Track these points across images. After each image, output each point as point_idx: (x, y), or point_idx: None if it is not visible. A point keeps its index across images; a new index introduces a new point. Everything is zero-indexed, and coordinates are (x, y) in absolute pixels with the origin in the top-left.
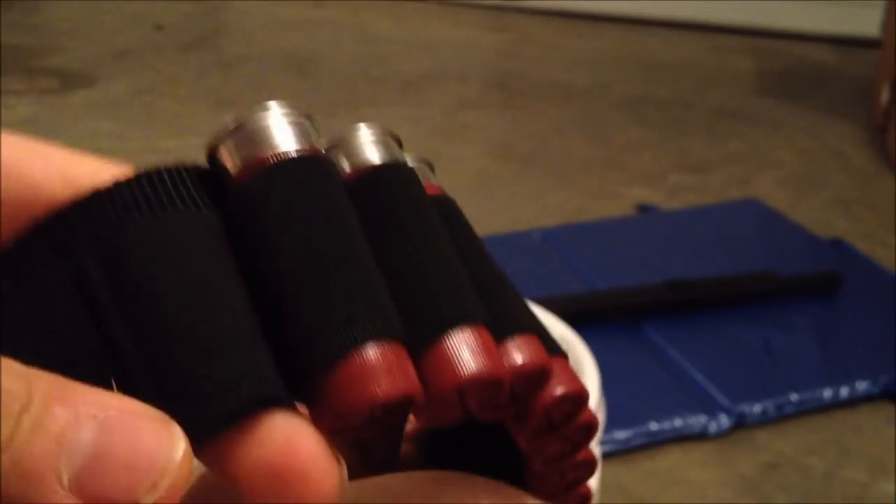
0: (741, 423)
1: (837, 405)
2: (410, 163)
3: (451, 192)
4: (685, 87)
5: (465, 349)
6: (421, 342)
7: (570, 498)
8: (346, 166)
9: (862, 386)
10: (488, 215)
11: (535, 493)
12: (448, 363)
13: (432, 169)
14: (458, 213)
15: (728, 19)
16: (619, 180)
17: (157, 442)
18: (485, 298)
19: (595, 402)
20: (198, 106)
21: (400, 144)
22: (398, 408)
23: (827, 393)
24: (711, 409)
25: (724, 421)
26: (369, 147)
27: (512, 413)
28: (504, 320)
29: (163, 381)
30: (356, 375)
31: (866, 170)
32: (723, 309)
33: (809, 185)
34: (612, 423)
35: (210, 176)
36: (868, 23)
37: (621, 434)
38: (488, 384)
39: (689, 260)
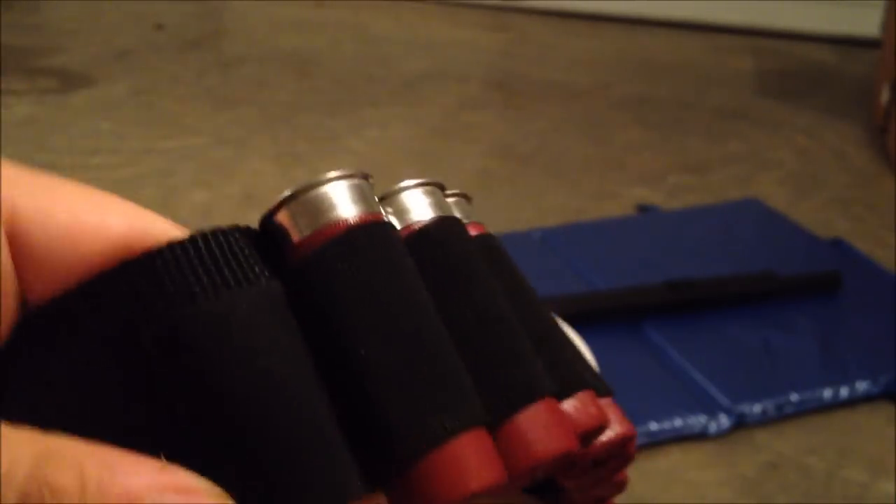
0: (741, 423)
1: (837, 405)
2: (450, 200)
3: None
4: (685, 87)
5: (538, 427)
6: (494, 420)
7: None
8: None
9: (862, 386)
10: (488, 215)
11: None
12: (524, 443)
13: (469, 201)
14: (501, 252)
15: (728, 19)
16: (619, 180)
17: None
18: (542, 353)
19: None
20: (198, 106)
21: (443, 190)
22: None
23: (827, 393)
24: (711, 409)
25: (724, 421)
26: (418, 203)
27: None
28: (562, 376)
29: (228, 475)
30: (450, 467)
31: (866, 170)
32: (723, 309)
33: (809, 185)
34: None
35: (263, 239)
36: (868, 23)
37: None
38: (560, 458)
39: (689, 260)
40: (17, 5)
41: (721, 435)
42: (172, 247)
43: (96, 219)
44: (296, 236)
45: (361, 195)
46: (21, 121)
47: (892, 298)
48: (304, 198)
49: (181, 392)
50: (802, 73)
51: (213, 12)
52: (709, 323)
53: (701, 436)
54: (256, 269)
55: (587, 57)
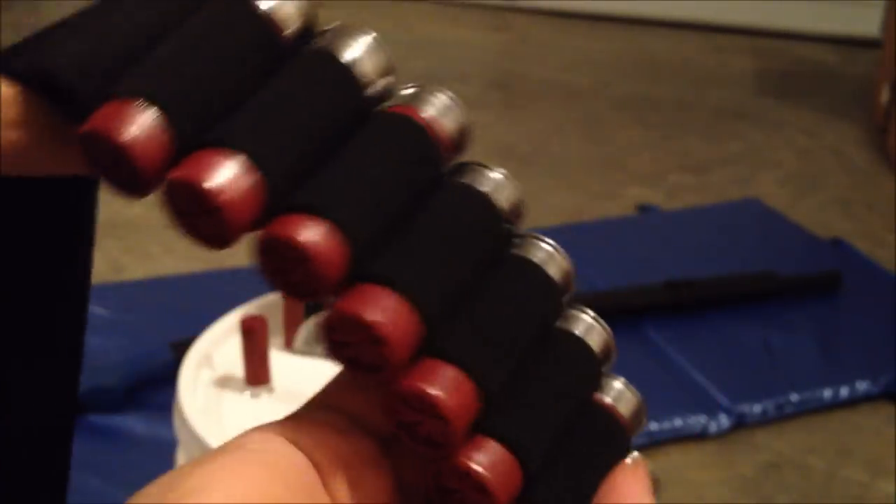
0: (741, 423)
1: (837, 405)
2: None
3: None
4: (685, 87)
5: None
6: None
7: None
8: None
9: (862, 386)
10: None
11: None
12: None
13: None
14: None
15: (728, 19)
16: (619, 180)
17: None
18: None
19: None
20: None
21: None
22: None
23: (827, 393)
24: (711, 409)
25: (724, 421)
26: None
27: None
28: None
29: None
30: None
31: (866, 170)
32: (723, 309)
33: (809, 185)
34: None
35: None
36: (868, 23)
37: None
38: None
39: (689, 260)
40: (17, 5)
41: (721, 435)
42: None
43: None
44: None
45: None
46: None
47: (892, 298)
48: None
49: None
50: (802, 73)
51: None
52: (709, 323)
53: (701, 436)
54: None
55: (587, 57)
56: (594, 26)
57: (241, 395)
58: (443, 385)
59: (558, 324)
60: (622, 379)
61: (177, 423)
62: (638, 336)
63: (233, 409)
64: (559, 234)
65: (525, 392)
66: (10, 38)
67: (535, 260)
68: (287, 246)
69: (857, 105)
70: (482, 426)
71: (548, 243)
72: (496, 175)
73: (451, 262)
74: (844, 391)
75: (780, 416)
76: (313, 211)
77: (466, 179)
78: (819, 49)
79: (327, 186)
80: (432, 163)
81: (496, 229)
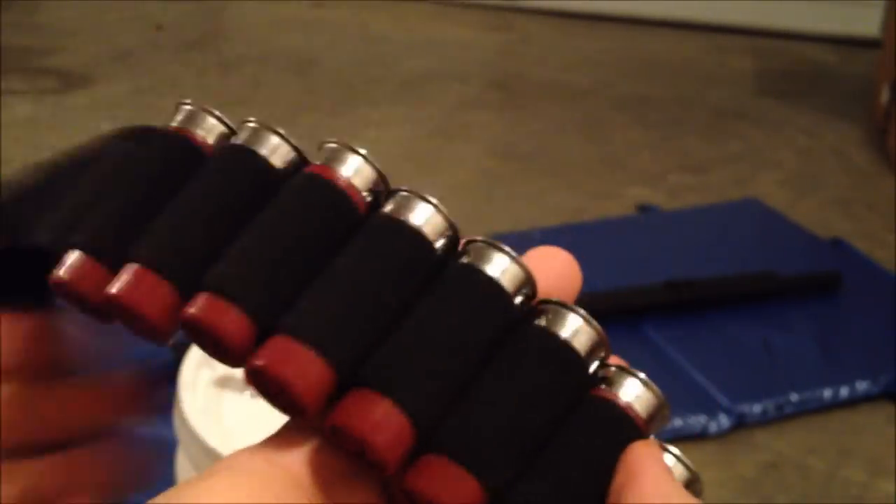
0: (741, 423)
1: (837, 405)
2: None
3: (452, 192)
4: (685, 87)
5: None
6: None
7: None
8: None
9: (862, 386)
10: (488, 215)
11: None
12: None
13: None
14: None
15: (728, 19)
16: (619, 180)
17: None
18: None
19: None
20: None
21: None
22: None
23: (827, 393)
24: (711, 409)
25: (724, 421)
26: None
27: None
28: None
29: None
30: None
31: (866, 170)
32: (723, 309)
33: (809, 185)
34: None
35: None
36: (868, 23)
37: None
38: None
39: (689, 260)
40: (17, 5)
41: (721, 435)
42: None
43: None
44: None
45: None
46: (21, 121)
47: (892, 298)
48: None
49: None
50: (802, 73)
51: (213, 12)
52: (709, 322)
53: (701, 436)
54: None
55: (587, 57)
56: (594, 26)
57: (241, 395)
58: (368, 421)
59: (537, 322)
60: (641, 374)
61: (177, 423)
62: (638, 336)
63: (233, 409)
64: (559, 234)
65: (473, 400)
66: (10, 38)
67: (482, 267)
68: (199, 328)
69: (857, 105)
70: (431, 442)
71: (501, 250)
72: (423, 205)
73: (361, 302)
74: (844, 391)
75: (780, 416)
76: (215, 291)
77: (392, 213)
78: (819, 49)
79: (231, 264)
80: (340, 212)
81: (419, 256)
